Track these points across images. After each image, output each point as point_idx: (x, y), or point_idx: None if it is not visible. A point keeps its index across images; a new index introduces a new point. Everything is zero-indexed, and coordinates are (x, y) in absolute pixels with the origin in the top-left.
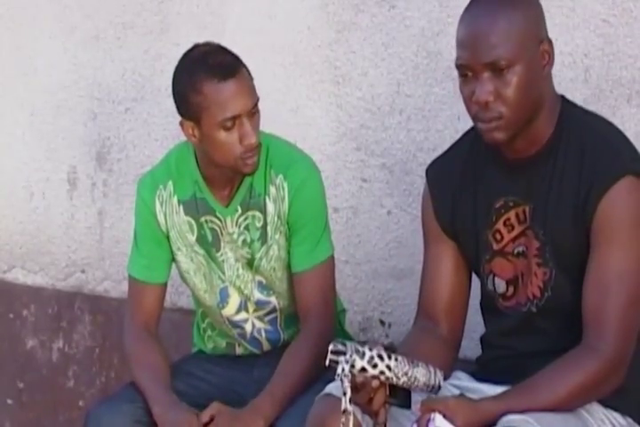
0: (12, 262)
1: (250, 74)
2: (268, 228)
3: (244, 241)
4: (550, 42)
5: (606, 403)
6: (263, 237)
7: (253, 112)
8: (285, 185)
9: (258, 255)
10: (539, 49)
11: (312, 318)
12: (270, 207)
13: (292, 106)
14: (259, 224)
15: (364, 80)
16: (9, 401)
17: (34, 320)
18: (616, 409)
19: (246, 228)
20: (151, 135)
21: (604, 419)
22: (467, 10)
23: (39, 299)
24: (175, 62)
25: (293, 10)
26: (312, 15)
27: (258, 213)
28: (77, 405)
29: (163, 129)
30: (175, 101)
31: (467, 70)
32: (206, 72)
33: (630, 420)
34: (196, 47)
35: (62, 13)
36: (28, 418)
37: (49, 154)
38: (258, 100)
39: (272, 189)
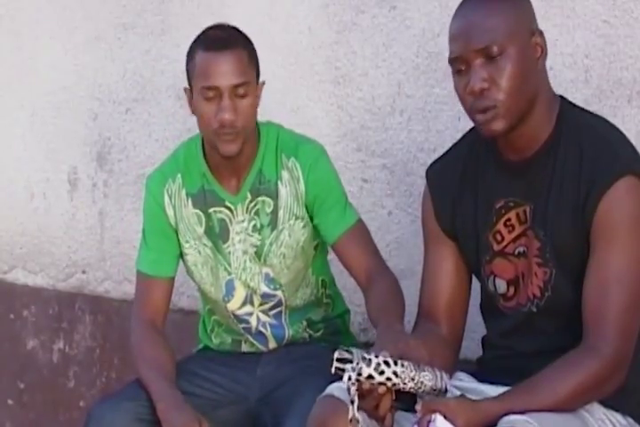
0: (12, 263)
1: (253, 59)
2: (280, 212)
3: (255, 226)
4: (542, 34)
5: (607, 403)
6: (273, 223)
7: (240, 94)
8: (298, 165)
9: (268, 241)
10: (530, 40)
11: (375, 274)
12: (283, 192)
13: (292, 106)
14: (269, 210)
15: (364, 80)
16: (9, 401)
17: (34, 321)
18: (617, 409)
19: (256, 213)
20: (152, 136)
21: (605, 419)
22: (457, 9)
23: (40, 299)
24: (176, 63)
25: (294, 10)
26: (313, 16)
27: (268, 199)
28: (78, 405)
29: (163, 129)
30: None
31: (460, 64)
32: (201, 42)
33: (631, 420)
34: (213, 24)
35: (63, 14)
36: (29, 418)
37: (49, 154)
38: (246, 82)
39: (285, 174)
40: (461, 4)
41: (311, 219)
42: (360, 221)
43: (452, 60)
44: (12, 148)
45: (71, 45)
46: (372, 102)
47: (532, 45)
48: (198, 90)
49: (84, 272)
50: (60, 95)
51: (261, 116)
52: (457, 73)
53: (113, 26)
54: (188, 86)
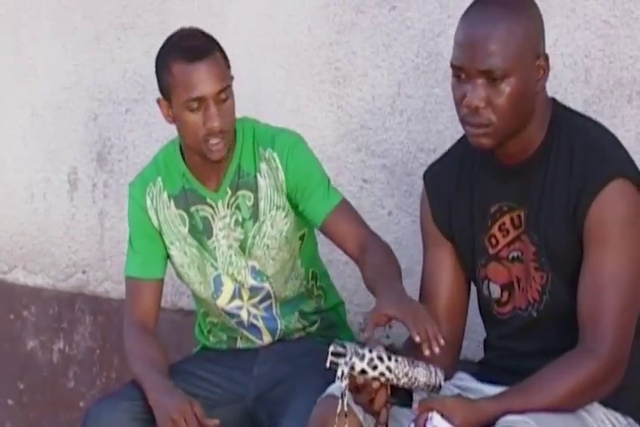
0: (12, 263)
1: (226, 60)
2: (261, 204)
3: (237, 221)
4: (547, 57)
5: (606, 403)
6: (254, 216)
7: (223, 98)
8: (275, 155)
9: (250, 234)
10: (534, 63)
11: (367, 244)
12: (262, 183)
13: (292, 106)
14: (249, 203)
15: (364, 81)
16: (9, 402)
17: (34, 321)
18: (616, 409)
19: (237, 207)
20: (152, 136)
21: (605, 419)
22: (468, 11)
23: (40, 300)
24: None
25: (294, 10)
26: (312, 16)
27: (248, 193)
28: (78, 405)
29: (163, 130)
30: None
31: (461, 72)
32: (177, 54)
33: (631, 420)
34: (179, 31)
35: (63, 14)
36: (29, 419)
37: (49, 155)
38: (228, 86)
39: (263, 166)
40: (473, 6)
41: (296, 207)
42: (345, 200)
43: (453, 66)
44: (12, 148)
45: (71, 45)
46: (371, 102)
47: (534, 68)
48: (181, 102)
49: (84, 272)
50: (59, 95)
51: (261, 117)
52: (456, 77)
53: (113, 26)
54: (161, 97)
